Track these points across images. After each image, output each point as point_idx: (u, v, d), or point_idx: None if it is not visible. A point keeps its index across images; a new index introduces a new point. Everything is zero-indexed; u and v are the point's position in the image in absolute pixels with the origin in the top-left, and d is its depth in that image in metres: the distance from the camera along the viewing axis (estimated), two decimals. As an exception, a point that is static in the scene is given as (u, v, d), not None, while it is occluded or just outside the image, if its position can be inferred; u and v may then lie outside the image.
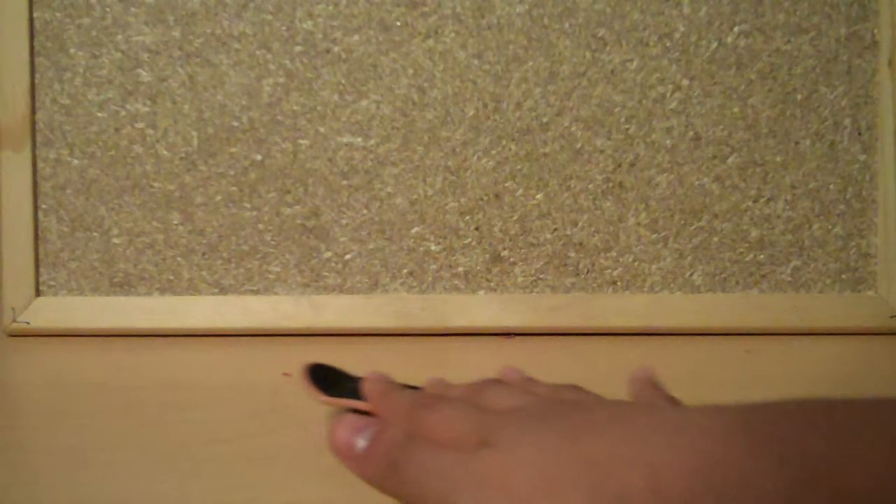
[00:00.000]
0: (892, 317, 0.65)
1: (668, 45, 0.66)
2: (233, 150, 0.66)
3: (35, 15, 0.65)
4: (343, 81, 0.66)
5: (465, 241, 0.66)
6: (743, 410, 0.31)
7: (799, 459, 0.28)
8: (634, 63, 0.66)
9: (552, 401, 0.39)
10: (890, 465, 0.27)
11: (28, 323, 0.65)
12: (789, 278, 0.66)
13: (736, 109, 0.66)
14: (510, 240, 0.66)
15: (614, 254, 0.66)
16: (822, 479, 0.28)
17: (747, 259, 0.66)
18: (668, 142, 0.66)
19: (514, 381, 0.44)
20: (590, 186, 0.66)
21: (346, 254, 0.66)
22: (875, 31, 0.66)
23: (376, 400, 0.42)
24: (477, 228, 0.66)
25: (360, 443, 0.37)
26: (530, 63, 0.66)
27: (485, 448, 0.35)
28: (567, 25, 0.66)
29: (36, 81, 0.66)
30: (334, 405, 0.45)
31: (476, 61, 0.66)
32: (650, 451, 0.32)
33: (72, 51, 0.66)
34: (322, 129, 0.66)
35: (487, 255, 0.66)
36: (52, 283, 0.66)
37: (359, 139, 0.66)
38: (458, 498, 0.34)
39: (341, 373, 0.47)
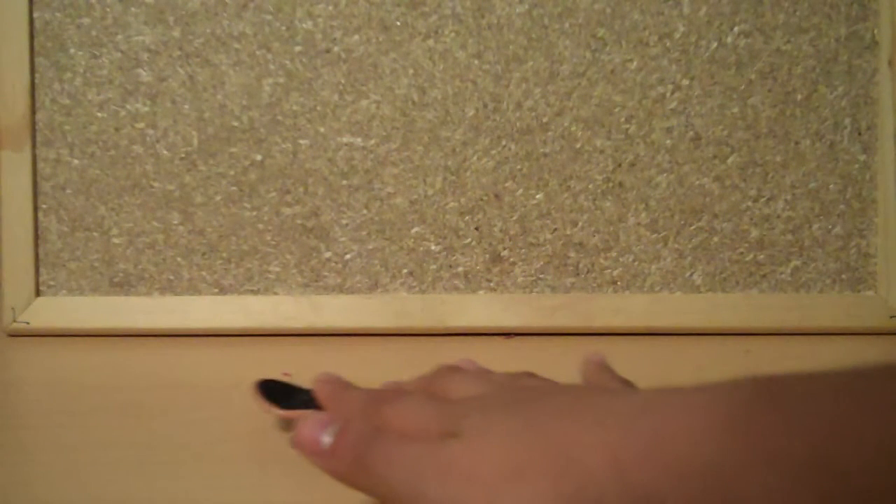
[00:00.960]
0: (892, 317, 0.65)
1: (668, 45, 0.66)
2: (233, 150, 0.66)
3: (35, 15, 0.65)
4: (343, 81, 0.66)
5: (465, 241, 0.66)
6: (702, 390, 0.31)
7: (760, 437, 0.28)
8: (634, 63, 0.66)
9: (513, 387, 0.40)
10: (832, 430, 0.27)
11: (28, 323, 0.65)
12: (789, 278, 0.66)
13: (736, 109, 0.66)
14: (510, 240, 0.66)
15: (614, 254, 0.66)
16: (782, 451, 0.28)
17: (747, 259, 0.66)
18: (668, 142, 0.66)
19: (470, 369, 0.44)
20: (590, 186, 0.66)
21: (346, 254, 0.66)
22: (875, 31, 0.66)
23: (330, 400, 0.42)
24: (477, 228, 0.66)
25: (326, 439, 0.37)
26: (530, 63, 0.66)
27: (451, 438, 0.35)
28: (567, 25, 0.66)
29: (36, 81, 0.66)
30: (291, 417, 0.45)
31: (476, 61, 0.66)
32: (613, 435, 0.32)
33: (72, 51, 0.66)
34: (322, 129, 0.66)
35: (487, 255, 0.66)
36: (52, 283, 0.66)
37: (359, 139, 0.66)
38: (426, 488, 0.34)
39: (292, 386, 0.47)
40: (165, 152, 0.66)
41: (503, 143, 0.66)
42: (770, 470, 0.28)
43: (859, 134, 0.66)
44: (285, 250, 0.66)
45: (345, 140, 0.66)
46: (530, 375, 0.43)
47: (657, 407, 0.32)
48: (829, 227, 0.66)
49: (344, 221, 0.66)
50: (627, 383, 0.44)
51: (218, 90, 0.66)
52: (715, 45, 0.66)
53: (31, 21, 0.65)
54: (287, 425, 0.47)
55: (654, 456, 0.30)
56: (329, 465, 0.36)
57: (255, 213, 0.66)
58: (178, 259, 0.66)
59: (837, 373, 0.29)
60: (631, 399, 0.34)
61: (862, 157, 0.66)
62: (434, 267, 0.66)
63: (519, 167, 0.66)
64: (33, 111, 0.66)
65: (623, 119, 0.66)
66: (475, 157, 0.66)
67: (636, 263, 0.66)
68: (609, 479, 0.31)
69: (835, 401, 0.28)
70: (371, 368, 0.50)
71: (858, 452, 0.25)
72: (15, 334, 0.65)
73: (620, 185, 0.66)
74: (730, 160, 0.66)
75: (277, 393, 0.47)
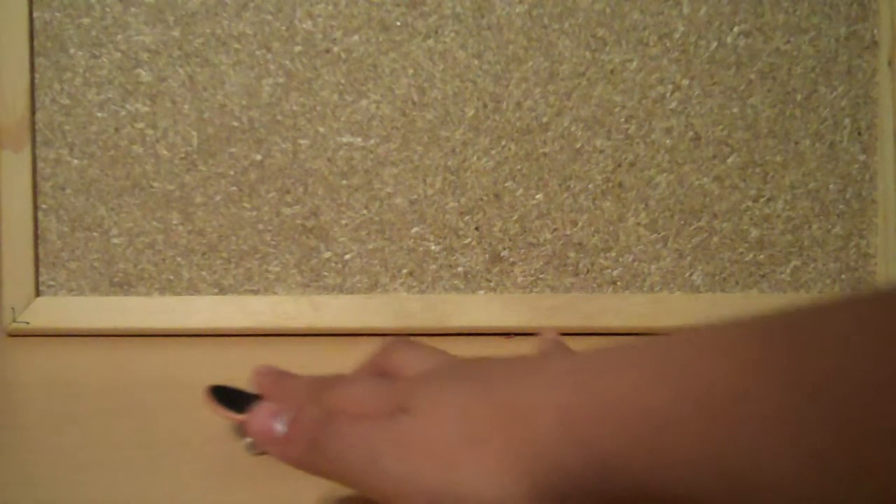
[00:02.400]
0: (891, 317, 0.65)
1: (667, 45, 0.66)
2: (233, 150, 0.66)
3: (35, 15, 0.65)
4: (343, 81, 0.66)
5: (465, 241, 0.66)
6: (648, 346, 0.32)
7: (703, 387, 0.29)
8: (634, 63, 0.66)
9: (458, 359, 0.40)
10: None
11: (28, 323, 0.65)
12: (789, 278, 0.66)
13: (736, 109, 0.66)
14: (510, 240, 0.66)
15: (614, 254, 0.66)
16: (719, 402, 0.28)
17: (747, 259, 0.66)
18: (667, 142, 0.66)
19: (417, 344, 0.44)
20: (589, 186, 0.66)
21: (345, 254, 0.66)
22: (875, 31, 0.66)
23: (272, 390, 0.42)
24: (477, 228, 0.66)
25: (279, 427, 0.37)
26: (530, 63, 0.66)
27: (402, 413, 0.35)
28: (567, 25, 0.66)
29: (36, 81, 0.66)
30: (244, 420, 0.45)
31: (476, 61, 0.66)
32: (561, 395, 0.32)
33: (72, 51, 0.66)
34: (322, 129, 0.66)
35: (487, 255, 0.66)
36: (52, 283, 0.66)
37: (358, 139, 0.66)
38: (384, 464, 0.34)
39: (242, 392, 0.47)
40: (165, 152, 0.66)
41: (503, 143, 0.66)
42: (709, 417, 0.28)
43: (859, 134, 0.66)
44: (285, 250, 0.66)
45: (345, 140, 0.66)
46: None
47: (603, 366, 0.33)
48: (829, 227, 0.66)
49: (344, 221, 0.66)
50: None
51: (218, 90, 0.66)
52: (715, 45, 0.66)
53: (31, 21, 0.65)
54: (242, 430, 0.47)
55: (604, 412, 0.31)
56: (285, 452, 0.36)
57: (254, 213, 0.66)
58: (178, 259, 0.66)
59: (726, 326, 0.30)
60: (580, 359, 0.34)
61: (862, 157, 0.66)
62: (434, 267, 0.66)
63: (519, 167, 0.66)
64: (33, 111, 0.66)
65: (623, 119, 0.66)
66: (475, 157, 0.66)
67: (636, 263, 0.66)
68: (562, 438, 0.31)
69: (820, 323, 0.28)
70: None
71: (874, 375, 0.25)
72: (15, 334, 0.65)
73: (620, 185, 0.66)
74: (729, 160, 0.66)
75: (231, 398, 0.47)
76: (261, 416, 0.37)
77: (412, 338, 0.45)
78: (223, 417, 0.47)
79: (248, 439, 0.45)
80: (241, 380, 0.49)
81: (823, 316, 0.28)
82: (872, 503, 0.25)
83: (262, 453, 0.44)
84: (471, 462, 0.33)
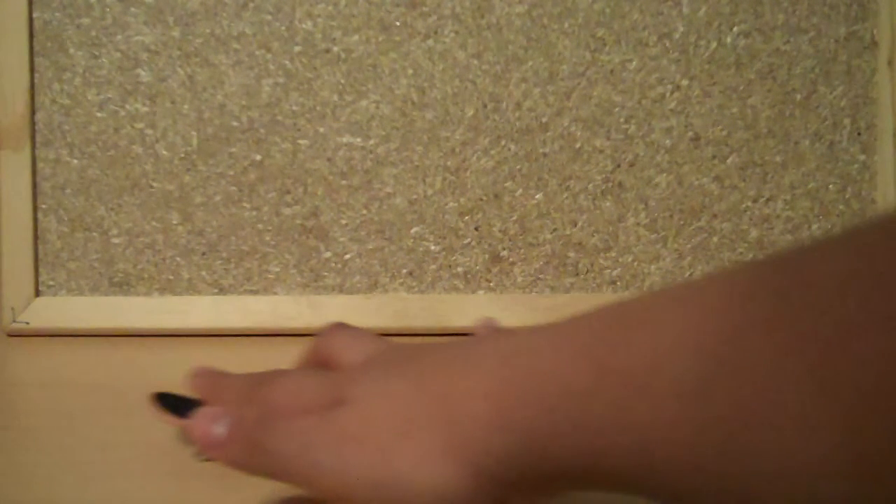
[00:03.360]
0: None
1: (667, 45, 0.66)
2: (232, 150, 0.66)
3: (35, 15, 0.65)
4: (343, 81, 0.66)
5: (465, 241, 0.66)
6: (573, 323, 0.32)
7: (622, 362, 0.29)
8: (634, 63, 0.66)
9: (396, 347, 0.40)
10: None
11: (27, 323, 0.65)
12: (789, 278, 0.66)
13: (735, 109, 0.66)
14: (510, 240, 0.66)
15: (614, 254, 0.66)
16: (636, 376, 0.28)
17: (747, 259, 0.66)
18: (667, 142, 0.66)
19: (350, 331, 0.44)
20: (589, 186, 0.66)
21: (345, 254, 0.66)
22: (875, 31, 0.66)
23: (209, 391, 0.42)
24: (476, 228, 0.66)
25: (219, 430, 0.37)
26: (530, 63, 0.66)
27: (338, 406, 0.35)
28: (566, 25, 0.66)
29: (35, 81, 0.66)
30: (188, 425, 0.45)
31: (475, 61, 0.66)
32: (490, 379, 0.33)
33: (71, 51, 0.66)
34: (322, 129, 0.66)
35: (487, 255, 0.66)
36: (52, 283, 0.66)
37: (358, 139, 0.66)
38: (321, 458, 0.34)
39: (187, 398, 0.47)
40: (165, 152, 0.66)
41: (503, 143, 0.66)
42: (618, 384, 0.29)
43: (858, 134, 0.66)
44: (285, 250, 0.66)
45: (344, 140, 0.66)
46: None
47: (527, 345, 0.33)
48: (829, 227, 0.66)
49: (343, 221, 0.66)
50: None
51: (217, 90, 0.66)
52: (714, 45, 0.66)
53: (31, 21, 0.65)
54: (186, 435, 0.46)
55: (530, 393, 0.31)
56: (226, 455, 0.37)
57: (254, 213, 0.66)
58: (178, 259, 0.66)
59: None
60: (511, 340, 0.34)
61: (861, 158, 0.66)
62: (433, 267, 0.66)
63: (518, 167, 0.66)
64: (33, 111, 0.66)
65: (622, 119, 0.66)
66: (475, 157, 0.66)
67: (636, 263, 0.66)
68: (492, 423, 0.32)
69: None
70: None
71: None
72: (14, 334, 0.65)
73: (620, 185, 0.66)
74: (729, 160, 0.66)
75: (175, 404, 0.47)
76: (199, 422, 0.37)
77: (349, 324, 0.45)
78: (168, 423, 0.46)
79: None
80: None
81: (746, 277, 0.28)
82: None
83: (210, 459, 0.44)
84: (406, 452, 0.33)
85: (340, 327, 0.44)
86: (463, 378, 0.33)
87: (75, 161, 0.66)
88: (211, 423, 0.37)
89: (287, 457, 0.35)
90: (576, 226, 0.66)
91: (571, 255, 0.66)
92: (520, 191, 0.66)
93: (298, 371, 0.42)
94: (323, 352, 0.43)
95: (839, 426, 0.23)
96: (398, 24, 0.66)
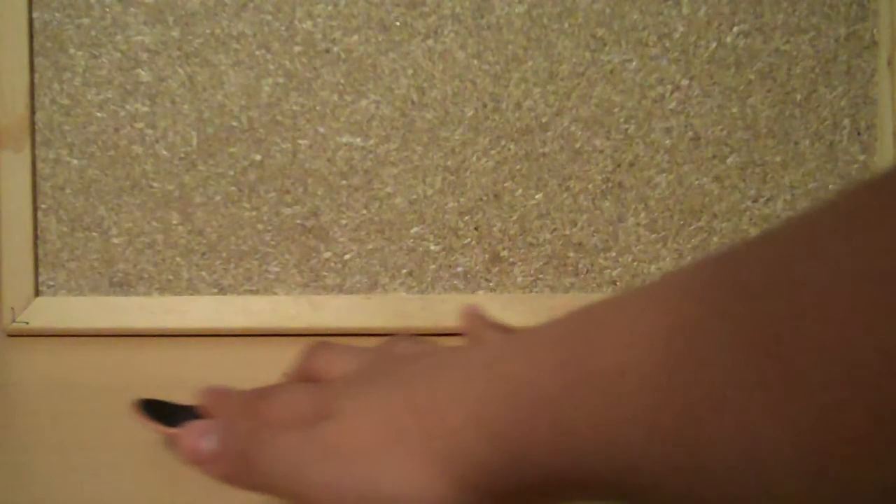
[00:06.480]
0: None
1: (667, 45, 0.66)
2: (232, 150, 0.66)
3: (35, 15, 0.65)
4: (342, 81, 0.66)
5: (465, 241, 0.66)
6: (552, 327, 0.32)
7: (593, 366, 0.29)
8: (634, 63, 0.66)
9: (381, 359, 0.40)
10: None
11: (27, 323, 0.65)
12: (788, 278, 0.66)
13: (735, 109, 0.66)
14: (509, 240, 0.66)
15: (614, 254, 0.66)
16: (605, 379, 0.28)
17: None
18: (667, 142, 0.66)
19: (338, 345, 0.44)
20: (589, 186, 0.66)
21: (345, 254, 0.66)
22: (875, 31, 0.66)
23: (214, 404, 0.42)
24: (476, 228, 0.66)
25: (209, 444, 0.36)
26: (529, 63, 0.66)
27: (325, 420, 0.35)
28: (566, 25, 0.66)
29: (35, 81, 0.66)
30: (176, 434, 0.45)
31: (475, 61, 0.66)
32: (472, 388, 0.33)
33: (71, 51, 0.66)
34: (321, 129, 0.66)
35: (487, 255, 0.66)
36: (52, 283, 0.66)
37: (358, 139, 0.66)
38: (307, 473, 0.34)
39: (173, 404, 0.47)
40: (165, 152, 0.66)
41: (502, 143, 0.66)
42: (585, 387, 0.29)
43: (858, 134, 0.66)
44: (285, 250, 0.66)
45: (344, 140, 0.66)
46: (410, 339, 0.43)
47: (505, 352, 0.33)
48: (829, 227, 0.66)
49: (343, 221, 0.66)
50: (506, 329, 0.44)
51: (217, 90, 0.66)
52: (714, 45, 0.66)
53: (31, 21, 0.65)
54: (171, 443, 0.46)
55: (508, 402, 0.31)
56: (216, 469, 0.36)
57: (254, 213, 0.66)
58: (178, 259, 0.66)
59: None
60: (494, 347, 0.34)
61: (861, 157, 0.66)
62: (433, 267, 0.66)
63: (518, 167, 0.66)
64: (33, 111, 0.66)
65: (622, 119, 0.66)
66: (475, 157, 0.66)
67: (636, 263, 0.66)
68: (473, 433, 0.32)
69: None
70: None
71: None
72: (14, 334, 0.65)
73: (620, 185, 0.66)
74: (729, 160, 0.66)
75: (160, 411, 0.47)
76: (189, 436, 0.37)
77: (331, 339, 0.45)
78: (153, 431, 0.46)
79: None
80: (241, 380, 0.49)
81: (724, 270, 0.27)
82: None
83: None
84: (391, 465, 0.33)
85: (323, 345, 0.44)
86: (444, 387, 0.33)
87: (75, 161, 0.66)
88: (201, 437, 0.37)
89: (274, 472, 0.35)
90: (576, 226, 0.66)
91: (571, 255, 0.66)
92: (520, 191, 0.66)
93: (290, 384, 0.42)
94: (307, 370, 0.43)
95: (805, 413, 0.23)
96: (398, 24, 0.66)
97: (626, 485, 0.29)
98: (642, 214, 0.66)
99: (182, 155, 0.66)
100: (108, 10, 0.66)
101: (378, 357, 0.41)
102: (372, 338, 0.65)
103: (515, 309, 0.66)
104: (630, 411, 0.27)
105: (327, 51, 0.66)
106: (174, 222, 0.66)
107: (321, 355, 0.43)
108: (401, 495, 0.33)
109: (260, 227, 0.66)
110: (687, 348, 0.26)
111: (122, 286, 0.66)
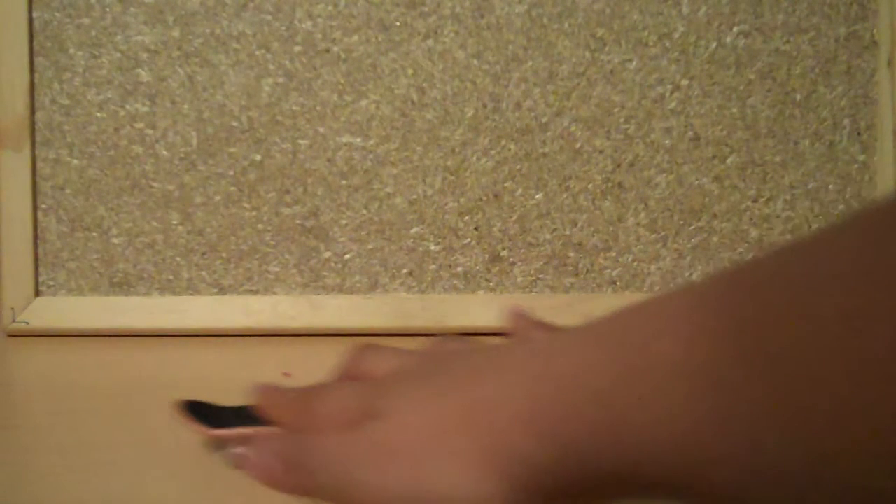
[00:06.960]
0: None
1: (667, 45, 0.66)
2: (232, 150, 0.66)
3: (34, 15, 0.65)
4: (342, 81, 0.66)
5: (465, 241, 0.66)
6: (602, 323, 0.32)
7: (646, 363, 0.29)
8: (634, 63, 0.66)
9: (427, 359, 0.40)
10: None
11: (27, 323, 0.65)
12: (788, 278, 0.66)
13: (735, 109, 0.66)
14: (509, 240, 0.66)
15: (614, 254, 0.66)
16: (659, 377, 0.28)
17: (747, 259, 0.66)
18: (667, 142, 0.66)
19: (384, 346, 0.44)
20: (589, 186, 0.66)
21: (345, 254, 0.66)
22: (874, 31, 0.66)
23: (269, 404, 0.42)
24: (476, 228, 0.66)
25: (273, 461, 0.36)
26: (529, 63, 0.66)
27: (374, 420, 0.35)
28: (566, 25, 0.66)
29: (35, 81, 0.66)
30: (225, 437, 0.45)
31: (475, 61, 0.66)
32: (521, 386, 0.32)
33: (71, 51, 0.66)
34: (321, 129, 0.66)
35: (487, 255, 0.66)
36: (52, 283, 0.66)
37: (358, 139, 0.66)
38: (356, 473, 0.34)
39: (216, 406, 0.47)
40: (165, 152, 0.66)
41: (502, 143, 0.66)
42: (639, 383, 0.29)
43: (858, 134, 0.66)
44: (285, 250, 0.66)
45: (344, 140, 0.66)
46: (459, 339, 0.43)
47: (557, 350, 0.33)
48: (829, 227, 0.66)
49: (343, 221, 0.66)
50: (551, 328, 0.44)
51: (217, 90, 0.66)
52: (714, 45, 0.66)
53: (31, 21, 0.65)
54: (216, 445, 0.46)
55: (559, 398, 0.31)
56: (286, 485, 0.36)
57: (254, 213, 0.66)
58: (178, 259, 0.66)
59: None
60: (541, 344, 0.34)
61: (861, 157, 0.66)
62: (433, 267, 0.66)
63: (518, 167, 0.66)
64: (33, 111, 0.66)
65: (622, 119, 0.66)
66: (474, 157, 0.66)
67: (636, 263, 0.66)
68: (524, 431, 0.32)
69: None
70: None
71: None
72: (14, 334, 0.65)
73: (620, 185, 0.66)
74: (729, 160, 0.66)
75: (204, 413, 0.47)
76: (259, 455, 0.36)
77: (375, 339, 0.45)
78: (200, 435, 0.46)
79: (230, 450, 0.45)
80: (240, 379, 0.49)
81: (776, 271, 0.27)
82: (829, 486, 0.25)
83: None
84: (441, 464, 0.33)
85: (370, 346, 0.44)
86: (496, 386, 0.33)
87: (75, 161, 0.66)
88: (267, 455, 0.36)
89: (329, 475, 0.35)
90: (576, 226, 0.66)
91: (571, 255, 0.66)
92: (520, 191, 0.66)
93: (337, 384, 0.42)
94: (353, 371, 0.43)
95: (882, 408, 0.23)
96: (398, 24, 0.66)
97: (682, 480, 0.28)
98: (642, 214, 0.66)
99: (182, 155, 0.66)
100: (108, 10, 0.66)
101: (425, 357, 0.40)
102: (372, 338, 0.65)
103: (515, 309, 0.66)
104: (683, 407, 0.27)
105: (327, 51, 0.66)
106: (174, 222, 0.66)
107: (368, 356, 0.43)
108: (449, 494, 0.32)
109: (260, 227, 0.66)
110: (756, 344, 0.26)
111: (122, 286, 0.66)
